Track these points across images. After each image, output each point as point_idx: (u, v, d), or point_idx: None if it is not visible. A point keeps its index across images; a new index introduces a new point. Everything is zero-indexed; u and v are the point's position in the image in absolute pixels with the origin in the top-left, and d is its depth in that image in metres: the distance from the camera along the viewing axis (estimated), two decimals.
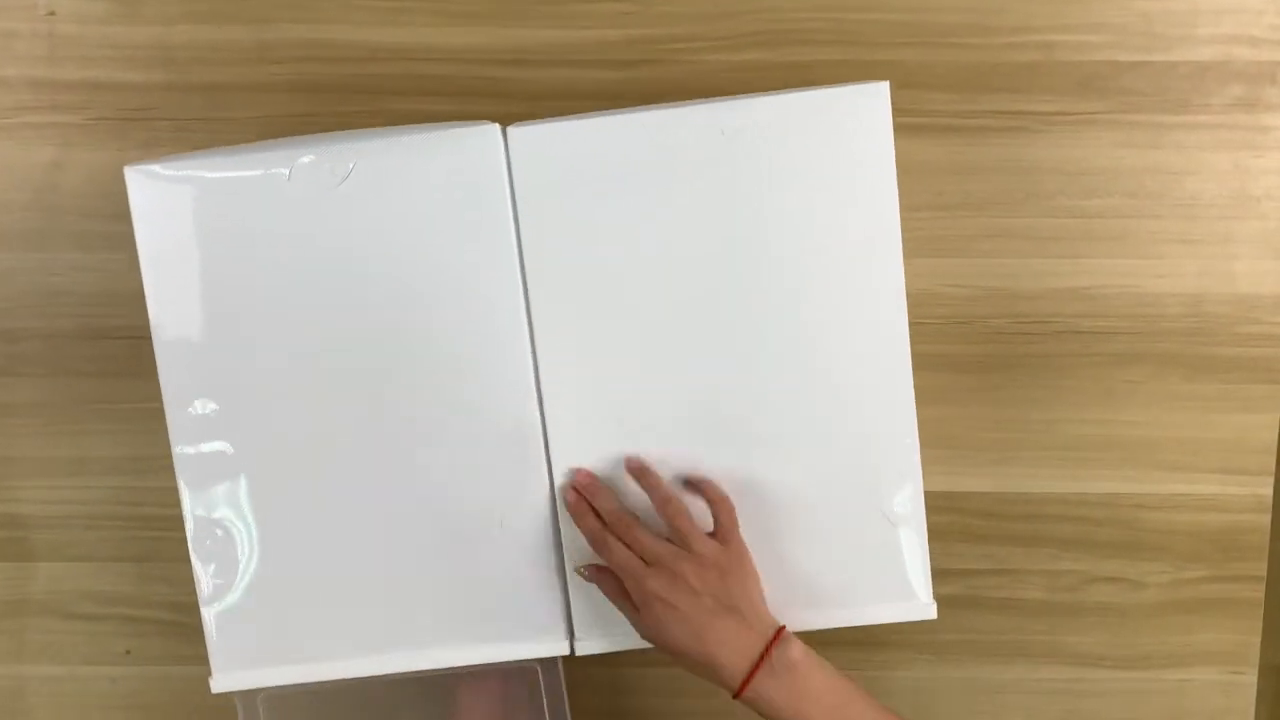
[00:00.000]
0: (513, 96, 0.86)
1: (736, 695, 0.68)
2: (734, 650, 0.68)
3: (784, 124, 0.72)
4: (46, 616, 0.93)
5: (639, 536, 0.71)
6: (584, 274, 0.73)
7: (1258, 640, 0.89)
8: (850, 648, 0.87)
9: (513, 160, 0.71)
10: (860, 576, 0.76)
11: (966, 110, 0.85)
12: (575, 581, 0.76)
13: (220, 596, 0.76)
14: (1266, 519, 0.88)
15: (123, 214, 0.87)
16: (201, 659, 0.91)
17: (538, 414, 0.73)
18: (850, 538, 0.76)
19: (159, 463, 0.90)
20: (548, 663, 0.78)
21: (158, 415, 0.89)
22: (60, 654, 0.93)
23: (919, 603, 0.77)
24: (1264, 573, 0.89)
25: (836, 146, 0.72)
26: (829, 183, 0.72)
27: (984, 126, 0.85)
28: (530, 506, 0.74)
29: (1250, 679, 0.90)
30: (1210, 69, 0.84)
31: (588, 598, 0.76)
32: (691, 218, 0.73)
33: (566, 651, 0.75)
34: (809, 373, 0.74)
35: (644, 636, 0.72)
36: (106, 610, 0.92)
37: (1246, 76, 0.84)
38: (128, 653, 0.93)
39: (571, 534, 0.75)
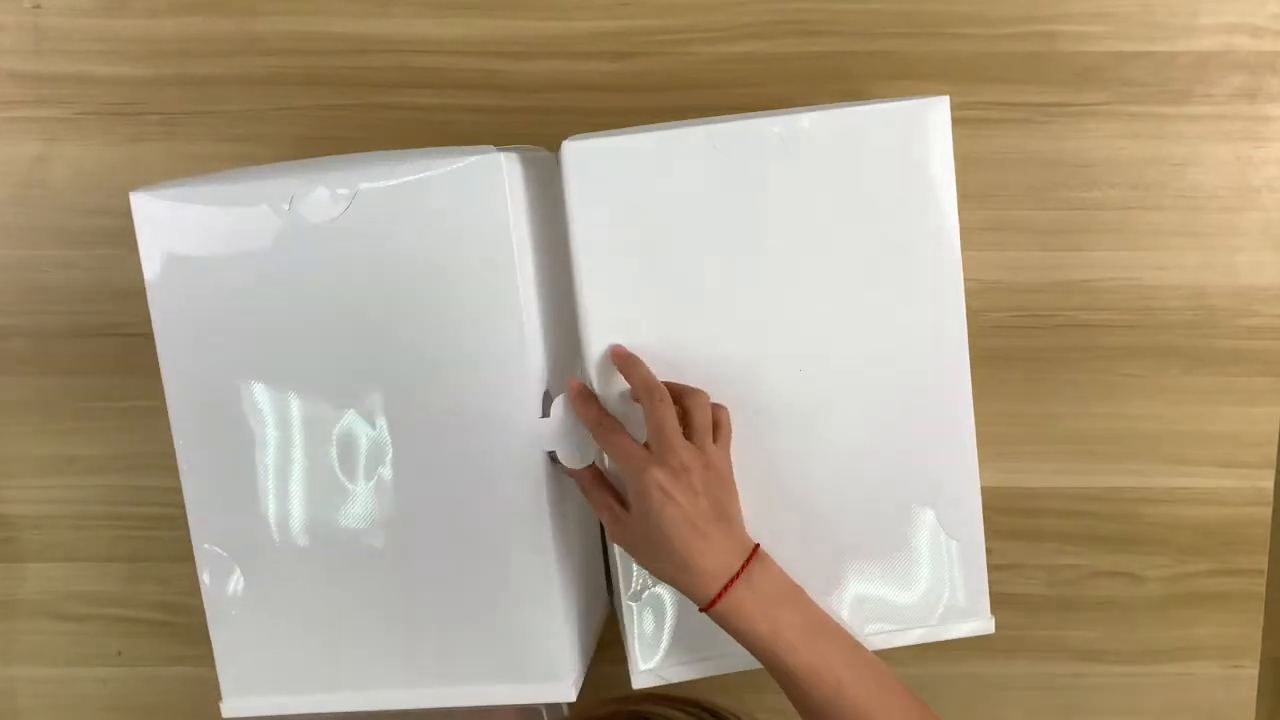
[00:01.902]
0: (504, 89, 0.85)
1: (709, 605, 0.66)
2: (718, 558, 0.66)
3: (843, 137, 0.71)
4: (36, 617, 0.92)
5: (657, 408, 0.67)
6: (639, 289, 0.71)
7: (1258, 634, 0.89)
8: None
9: (566, 174, 0.70)
10: (917, 593, 0.75)
11: (965, 102, 0.84)
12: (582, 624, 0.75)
13: (230, 621, 0.75)
14: (1267, 512, 0.88)
15: (109, 209, 0.86)
16: (193, 659, 0.91)
17: (543, 448, 0.72)
18: (906, 553, 0.75)
19: (149, 460, 0.89)
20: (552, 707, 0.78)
21: (147, 413, 0.88)
22: (50, 655, 0.92)
23: (978, 619, 0.76)
24: (1265, 566, 0.88)
25: (896, 159, 0.71)
26: (888, 196, 0.71)
27: (983, 118, 0.84)
28: (538, 546, 0.73)
29: (1251, 672, 0.89)
30: (1212, 59, 0.83)
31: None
32: (748, 231, 0.71)
33: (572, 697, 0.74)
34: (867, 385, 0.73)
35: (622, 535, 0.69)
36: (96, 611, 0.92)
37: (1248, 66, 0.83)
38: (118, 653, 0.92)
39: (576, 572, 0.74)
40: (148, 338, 0.86)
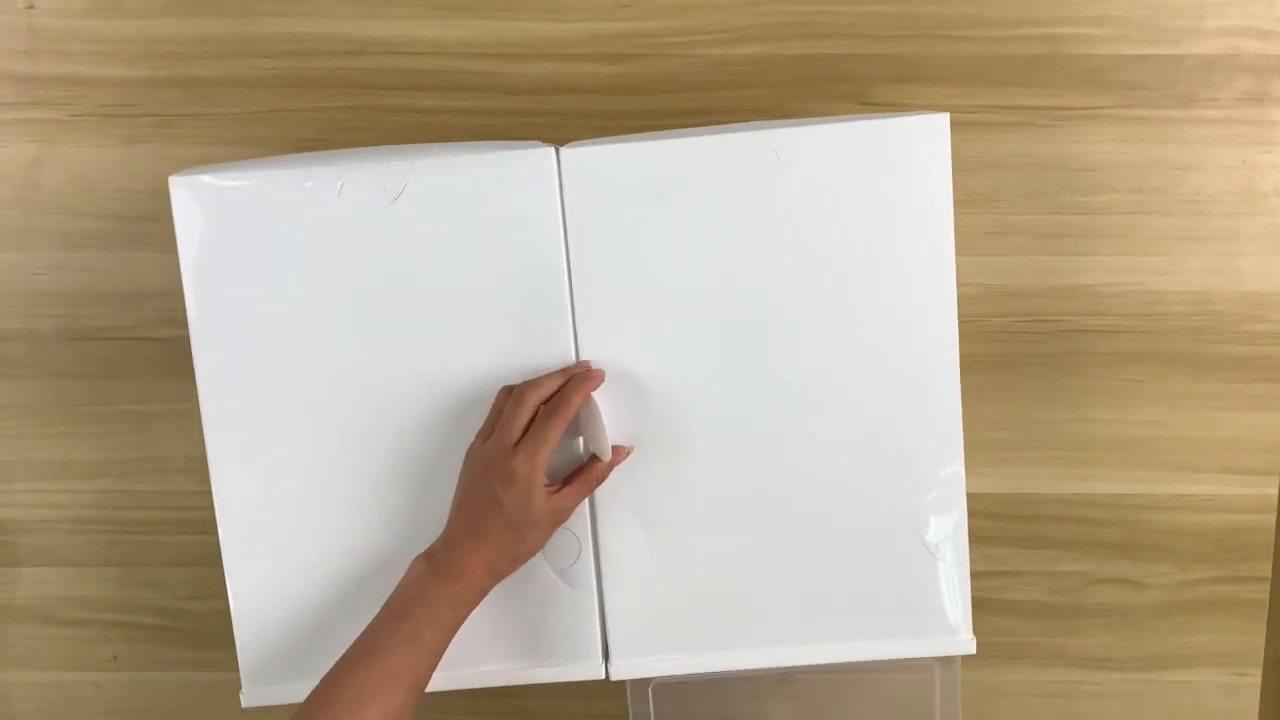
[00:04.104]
0: (503, 90, 0.84)
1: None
2: None
3: (841, 152, 0.71)
4: (31, 622, 0.91)
5: None
6: (633, 295, 0.72)
7: (1261, 641, 0.88)
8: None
9: (565, 180, 0.71)
10: (897, 607, 0.75)
11: (967, 104, 0.83)
12: (613, 603, 0.75)
13: (253, 609, 0.75)
14: (1271, 519, 0.87)
15: (104, 212, 0.86)
16: (188, 664, 0.91)
17: (579, 441, 0.73)
18: (889, 567, 0.74)
19: (145, 465, 0.89)
20: (946, 661, 0.79)
21: (143, 417, 0.88)
22: (45, 660, 0.92)
23: (958, 638, 0.75)
24: (1268, 573, 0.88)
25: (893, 176, 0.71)
26: (884, 211, 0.71)
27: (985, 121, 0.83)
28: (567, 527, 0.74)
29: (1253, 680, 0.89)
30: (1217, 62, 0.82)
31: (626, 619, 0.75)
32: (743, 242, 0.72)
33: (600, 675, 0.75)
34: (855, 398, 0.73)
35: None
36: (92, 615, 0.91)
37: (1255, 70, 0.82)
38: (113, 658, 0.92)
39: (610, 555, 0.75)
40: (144, 341, 0.87)
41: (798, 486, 0.74)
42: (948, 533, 0.74)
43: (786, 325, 0.72)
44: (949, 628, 0.75)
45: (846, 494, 0.74)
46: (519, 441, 0.68)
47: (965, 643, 0.75)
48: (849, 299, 0.72)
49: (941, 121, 0.70)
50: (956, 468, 0.74)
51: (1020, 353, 0.86)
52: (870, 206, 0.71)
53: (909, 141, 0.71)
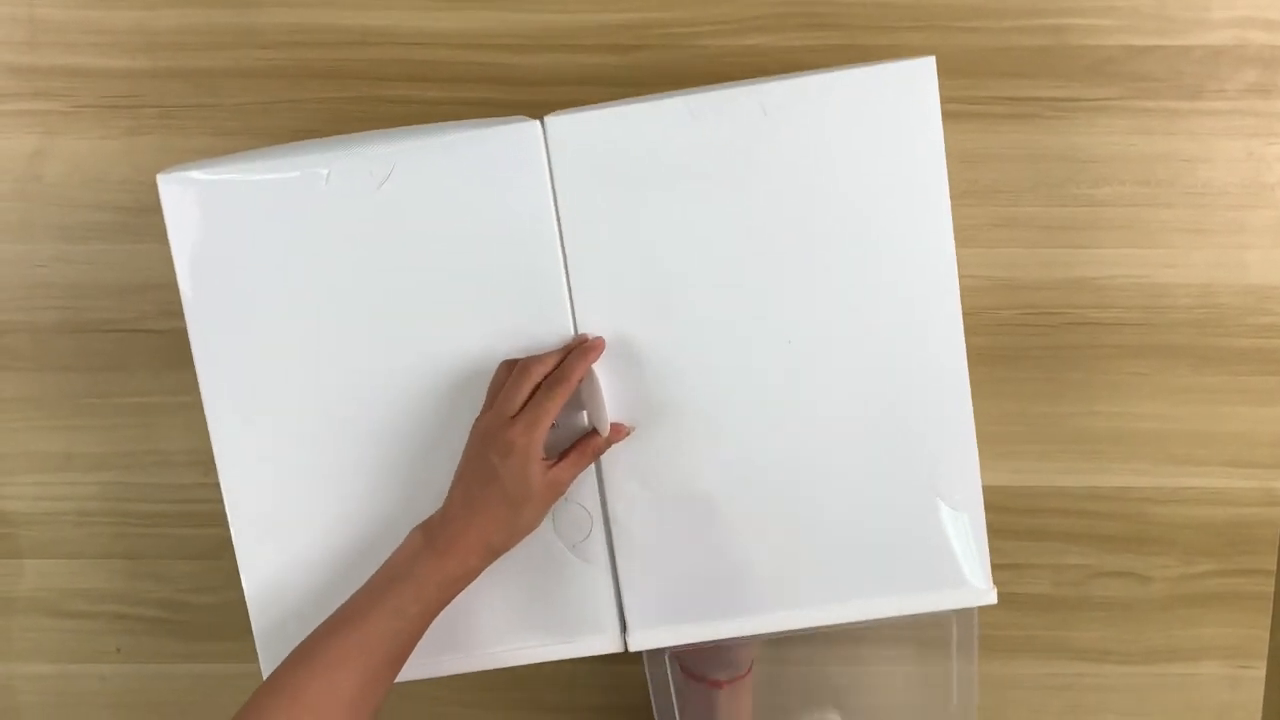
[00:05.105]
0: (507, 82, 0.84)
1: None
2: None
3: (827, 102, 0.70)
4: (35, 614, 0.91)
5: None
6: (627, 262, 0.72)
7: (1265, 634, 0.88)
8: (854, 643, 0.86)
9: (551, 150, 0.71)
10: (914, 562, 0.74)
11: (973, 96, 0.83)
12: (627, 575, 0.75)
13: (268, 600, 0.75)
14: (1276, 512, 0.87)
15: (106, 203, 0.86)
16: (192, 656, 0.91)
17: (583, 415, 0.73)
18: (903, 522, 0.74)
19: (147, 458, 0.89)
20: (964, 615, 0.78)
21: (146, 410, 0.88)
22: (49, 652, 0.92)
23: (976, 589, 0.75)
24: (1273, 566, 0.88)
25: (882, 124, 0.70)
26: (875, 161, 0.71)
27: (991, 113, 0.83)
28: (578, 502, 0.74)
29: (1257, 673, 0.89)
30: (1224, 54, 0.82)
31: (641, 590, 0.75)
32: (735, 199, 0.71)
33: (620, 647, 0.75)
34: (860, 353, 0.72)
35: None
36: (96, 608, 0.91)
37: (1262, 61, 0.82)
38: (118, 650, 0.92)
39: (622, 528, 0.75)
40: (146, 333, 0.87)
41: (805, 447, 0.73)
42: (960, 483, 0.74)
43: (785, 283, 0.72)
44: (967, 579, 0.75)
45: (855, 451, 0.73)
46: (518, 413, 0.68)
47: (985, 593, 0.75)
48: (846, 251, 0.71)
49: (928, 65, 0.69)
50: (965, 416, 0.73)
51: (1024, 346, 0.85)
52: (861, 155, 0.71)
53: (896, 88, 0.70)
